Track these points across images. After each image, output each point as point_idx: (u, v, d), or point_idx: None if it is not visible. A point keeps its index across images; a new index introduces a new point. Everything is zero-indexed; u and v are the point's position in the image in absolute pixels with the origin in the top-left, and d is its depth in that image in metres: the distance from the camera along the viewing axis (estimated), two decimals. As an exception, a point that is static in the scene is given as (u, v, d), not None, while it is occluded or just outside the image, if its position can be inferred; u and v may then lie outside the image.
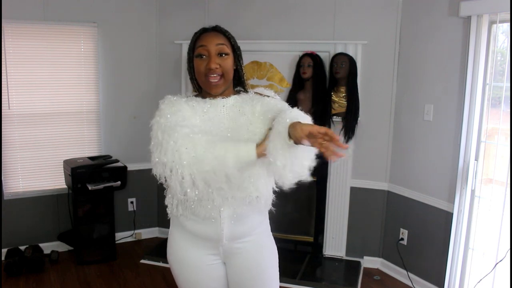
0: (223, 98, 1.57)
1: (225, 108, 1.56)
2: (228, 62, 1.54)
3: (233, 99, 1.58)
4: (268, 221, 1.71)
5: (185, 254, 1.62)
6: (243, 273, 1.64)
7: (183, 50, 3.70)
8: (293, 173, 1.31)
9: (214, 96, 1.57)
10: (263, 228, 1.67)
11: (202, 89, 1.61)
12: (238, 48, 1.59)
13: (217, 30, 1.57)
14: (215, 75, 1.51)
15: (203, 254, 1.61)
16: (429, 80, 3.06)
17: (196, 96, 1.63)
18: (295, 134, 1.24)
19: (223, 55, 1.53)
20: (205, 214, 1.52)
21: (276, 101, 1.58)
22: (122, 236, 3.93)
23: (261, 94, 1.63)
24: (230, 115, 1.55)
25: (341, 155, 1.17)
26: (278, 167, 1.30)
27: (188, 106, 1.54)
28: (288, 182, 1.33)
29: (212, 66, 1.49)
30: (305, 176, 1.33)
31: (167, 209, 1.63)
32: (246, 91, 1.64)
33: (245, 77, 1.65)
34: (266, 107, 1.53)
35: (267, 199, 1.59)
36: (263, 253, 1.66)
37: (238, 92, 1.64)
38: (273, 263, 1.71)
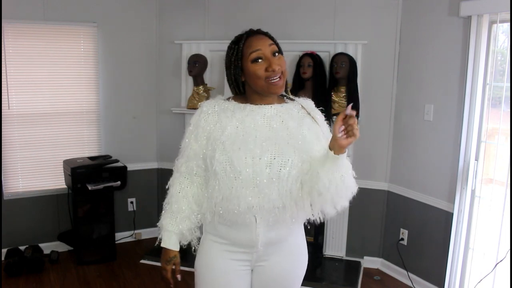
0: (264, 105, 1.53)
1: (266, 118, 1.51)
2: (283, 61, 1.50)
3: (274, 109, 1.53)
4: (302, 226, 1.66)
5: (215, 259, 1.57)
6: (270, 280, 1.61)
7: (183, 50, 3.70)
8: (339, 197, 1.42)
9: (255, 103, 1.53)
10: (297, 234, 1.63)
11: (246, 93, 1.56)
12: (280, 48, 1.55)
13: (261, 32, 1.53)
14: (276, 77, 1.46)
15: (234, 260, 1.57)
16: (429, 80, 3.06)
17: (235, 99, 1.58)
18: (333, 145, 1.33)
19: (277, 54, 1.49)
20: (239, 220, 1.48)
21: (319, 127, 1.56)
22: (122, 236, 3.93)
23: (304, 108, 1.57)
24: (271, 124, 1.50)
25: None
26: (326, 195, 1.40)
27: (218, 116, 1.52)
28: (332, 209, 1.46)
29: (276, 67, 1.45)
30: (346, 202, 1.45)
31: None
32: (289, 97, 1.61)
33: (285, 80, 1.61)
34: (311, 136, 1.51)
35: (302, 208, 1.53)
36: (293, 263, 1.62)
37: (282, 97, 1.60)
38: (300, 274, 1.67)
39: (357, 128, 1.28)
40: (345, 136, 1.29)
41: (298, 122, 1.52)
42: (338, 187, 1.39)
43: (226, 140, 1.46)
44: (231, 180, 1.44)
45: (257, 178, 1.43)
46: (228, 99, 1.59)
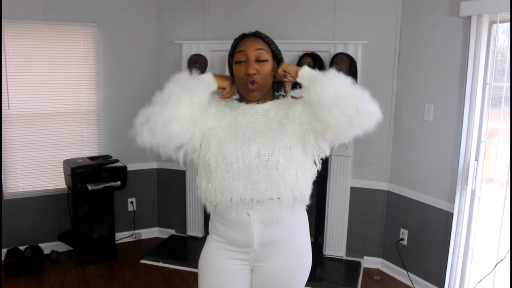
0: (258, 104, 1.58)
1: (259, 115, 1.56)
2: (267, 68, 1.53)
3: (268, 105, 1.58)
4: (306, 223, 1.64)
5: (216, 258, 1.59)
6: (270, 281, 1.59)
7: (183, 50, 3.70)
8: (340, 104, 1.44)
9: (250, 101, 1.58)
10: (299, 234, 1.60)
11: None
12: (279, 52, 1.59)
13: (256, 35, 1.56)
14: (253, 80, 1.50)
15: (234, 259, 1.57)
16: (429, 80, 3.06)
17: (237, 99, 1.64)
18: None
19: (262, 61, 1.52)
20: (234, 218, 1.50)
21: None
22: (122, 236, 3.93)
23: (296, 98, 1.60)
24: (263, 120, 1.55)
25: None
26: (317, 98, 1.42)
27: (220, 111, 1.57)
28: (340, 121, 1.47)
29: (250, 71, 1.49)
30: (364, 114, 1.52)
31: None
32: (283, 94, 1.64)
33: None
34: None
35: (300, 197, 1.51)
36: (294, 264, 1.60)
37: (278, 97, 1.63)
38: (303, 275, 1.64)
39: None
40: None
41: (290, 113, 1.54)
42: (336, 92, 1.45)
43: (221, 132, 1.52)
44: (223, 172, 1.47)
45: (247, 169, 1.46)
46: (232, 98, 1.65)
